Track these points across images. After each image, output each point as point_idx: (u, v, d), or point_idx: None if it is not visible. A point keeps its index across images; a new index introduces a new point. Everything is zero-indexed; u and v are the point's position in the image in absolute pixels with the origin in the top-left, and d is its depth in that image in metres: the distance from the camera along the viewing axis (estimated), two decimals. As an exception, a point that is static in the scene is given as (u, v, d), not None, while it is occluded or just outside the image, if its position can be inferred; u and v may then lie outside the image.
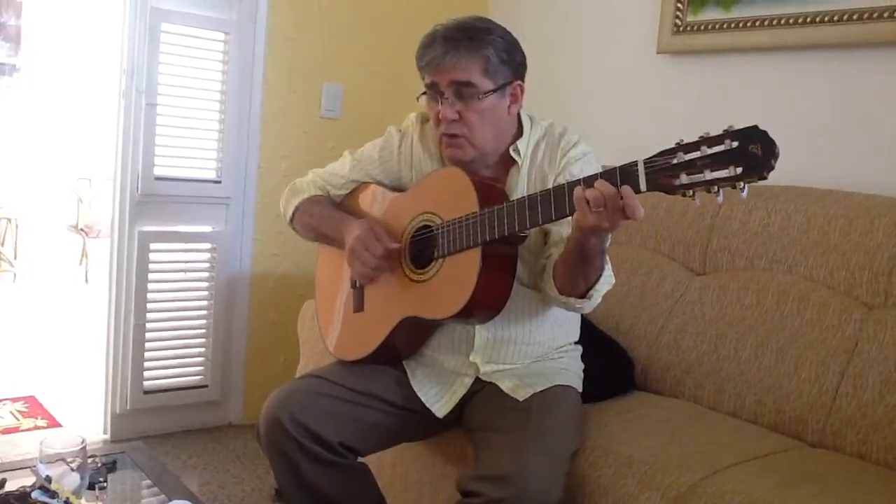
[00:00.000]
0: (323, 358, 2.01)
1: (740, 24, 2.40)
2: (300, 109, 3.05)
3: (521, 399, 1.69)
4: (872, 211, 1.92)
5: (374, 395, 1.77)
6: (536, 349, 1.80)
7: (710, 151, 1.23)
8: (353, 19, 3.10)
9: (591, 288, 1.56)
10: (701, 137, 1.25)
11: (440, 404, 1.77)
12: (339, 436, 1.70)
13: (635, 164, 1.32)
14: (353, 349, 1.85)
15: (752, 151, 1.19)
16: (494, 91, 1.68)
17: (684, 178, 1.25)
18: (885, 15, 2.07)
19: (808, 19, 2.24)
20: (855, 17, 2.14)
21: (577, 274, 1.54)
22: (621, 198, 1.32)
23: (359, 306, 1.86)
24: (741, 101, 2.46)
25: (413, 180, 1.86)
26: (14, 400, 3.20)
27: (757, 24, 2.36)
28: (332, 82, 3.09)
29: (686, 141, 1.27)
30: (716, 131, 1.24)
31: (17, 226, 5.96)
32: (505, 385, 1.73)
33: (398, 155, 1.88)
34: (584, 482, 1.64)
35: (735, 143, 1.21)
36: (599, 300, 1.61)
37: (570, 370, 1.83)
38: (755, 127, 1.21)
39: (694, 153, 1.25)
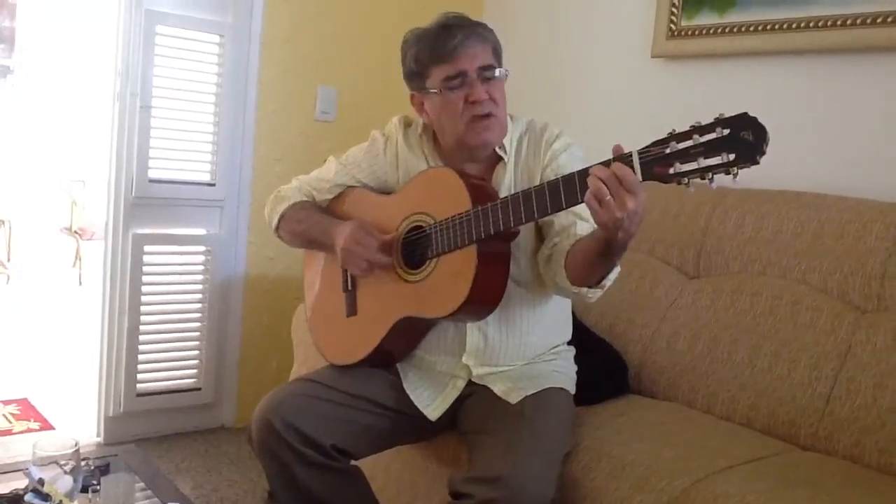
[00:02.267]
0: (317, 361, 2.01)
1: (734, 29, 2.41)
2: (295, 112, 3.05)
3: (513, 402, 1.69)
4: (865, 215, 1.93)
5: (368, 398, 1.76)
6: (529, 350, 1.80)
7: (702, 140, 1.26)
8: (347, 22, 3.10)
9: (604, 277, 1.56)
10: (692, 126, 1.27)
11: (432, 407, 1.77)
12: (331, 439, 1.70)
13: (630, 154, 1.33)
14: (348, 353, 1.85)
15: (743, 137, 1.22)
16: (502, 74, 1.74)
17: (678, 167, 1.28)
18: (879, 20, 2.08)
19: (802, 24, 2.24)
20: (849, 22, 2.14)
21: (595, 267, 1.53)
22: (617, 178, 1.32)
23: (352, 310, 1.85)
24: (735, 105, 2.42)
25: (399, 181, 1.86)
26: (6, 402, 3.19)
27: (751, 28, 2.37)
28: (327, 85, 3.09)
29: (678, 131, 1.29)
30: (706, 120, 1.26)
31: (10, 228, 5.94)
32: (497, 388, 1.73)
33: (384, 157, 1.89)
34: (577, 485, 1.64)
35: (727, 131, 1.24)
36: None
37: (563, 372, 1.83)
38: (745, 114, 1.24)
39: (686, 142, 1.27)
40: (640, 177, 1.31)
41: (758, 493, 1.47)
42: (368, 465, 1.87)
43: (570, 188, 1.43)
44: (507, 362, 1.78)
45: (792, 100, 2.32)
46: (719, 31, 2.45)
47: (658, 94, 2.68)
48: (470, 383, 1.78)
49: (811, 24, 2.23)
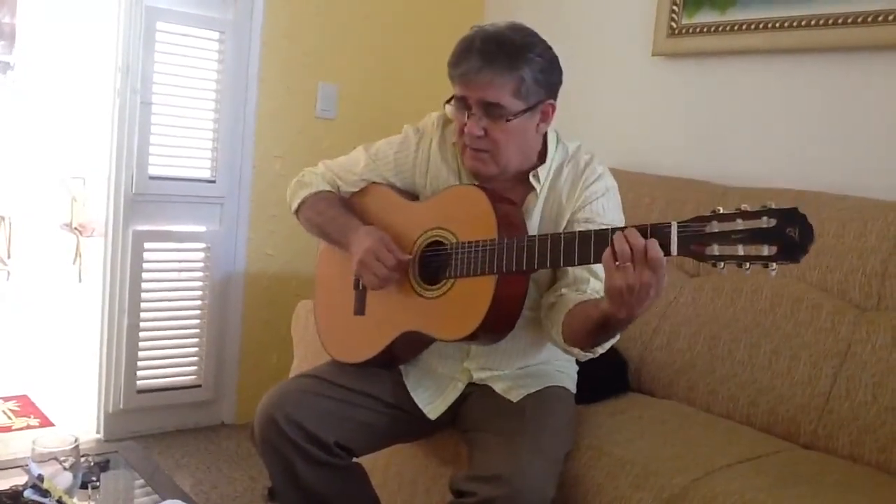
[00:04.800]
0: (317, 358, 2.01)
1: (735, 27, 2.41)
2: (295, 109, 3.04)
3: (514, 400, 1.69)
4: (865, 214, 1.93)
5: (369, 395, 1.76)
6: (530, 360, 1.79)
7: (744, 226, 1.21)
8: (348, 19, 3.10)
9: (598, 345, 1.55)
10: (738, 210, 1.22)
11: (432, 407, 1.77)
12: (334, 435, 1.69)
13: (669, 225, 1.28)
14: (351, 352, 1.84)
15: (788, 234, 1.17)
16: (525, 112, 1.62)
17: (715, 249, 1.23)
18: (880, 19, 2.08)
19: (803, 22, 2.24)
20: (849, 20, 2.14)
21: (590, 336, 1.51)
22: (644, 251, 1.27)
23: (360, 310, 1.84)
24: (736, 103, 2.46)
25: (427, 187, 1.81)
26: (6, 399, 3.18)
27: (751, 27, 2.36)
28: (328, 82, 3.09)
29: (722, 211, 1.24)
30: (753, 207, 1.21)
31: (10, 224, 5.93)
32: (498, 387, 1.73)
33: (414, 158, 1.83)
34: (577, 483, 1.64)
35: (773, 222, 1.18)
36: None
37: (564, 371, 1.83)
38: (795, 209, 1.18)
39: (728, 224, 1.22)
40: (675, 250, 1.26)
41: (757, 490, 1.48)
42: (368, 463, 1.87)
43: (601, 245, 1.36)
44: (509, 368, 1.78)
45: (792, 98, 2.32)
46: (720, 29, 2.45)
47: (659, 92, 2.68)
48: (470, 383, 1.78)
49: (812, 23, 2.23)
